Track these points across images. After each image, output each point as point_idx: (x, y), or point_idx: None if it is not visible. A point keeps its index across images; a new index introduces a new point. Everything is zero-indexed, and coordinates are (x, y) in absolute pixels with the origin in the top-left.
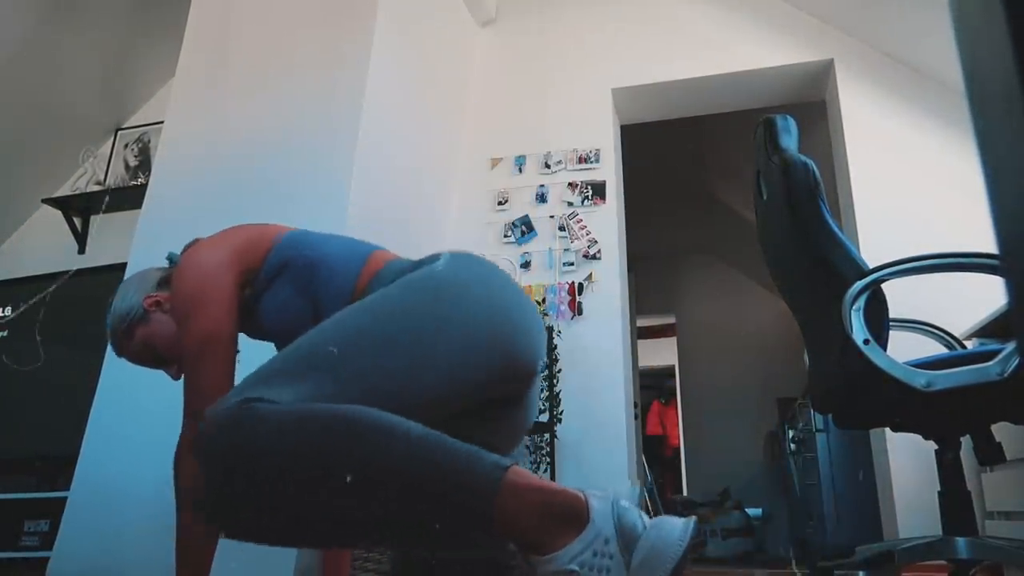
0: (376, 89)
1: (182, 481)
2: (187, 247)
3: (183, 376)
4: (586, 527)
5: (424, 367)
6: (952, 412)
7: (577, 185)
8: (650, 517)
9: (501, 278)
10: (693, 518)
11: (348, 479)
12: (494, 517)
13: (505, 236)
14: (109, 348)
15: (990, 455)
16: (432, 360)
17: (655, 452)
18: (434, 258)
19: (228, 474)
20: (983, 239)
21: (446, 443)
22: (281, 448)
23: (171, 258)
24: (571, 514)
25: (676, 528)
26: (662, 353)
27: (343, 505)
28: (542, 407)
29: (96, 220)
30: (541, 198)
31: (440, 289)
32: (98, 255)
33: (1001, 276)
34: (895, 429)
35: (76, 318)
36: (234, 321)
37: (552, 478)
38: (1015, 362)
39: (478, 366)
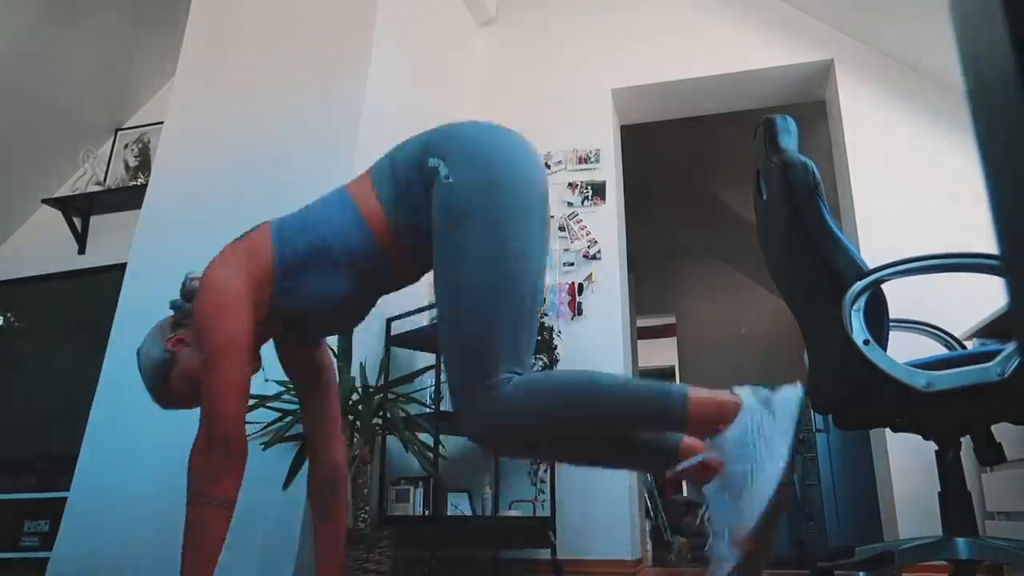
0: (376, 89)
1: (194, 481)
2: (183, 285)
3: (202, 389)
4: (742, 408)
5: (529, 250)
6: (952, 412)
7: (577, 185)
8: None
9: (493, 144)
10: (799, 384)
11: (590, 427)
12: (688, 425)
13: None
14: (109, 348)
15: (990, 455)
16: (527, 243)
17: None
18: (425, 160)
19: (498, 440)
20: (983, 239)
21: (647, 387)
22: (540, 422)
23: (173, 305)
24: (734, 407)
25: (791, 391)
26: (662, 353)
27: (585, 437)
28: None
29: (96, 220)
30: None
31: (476, 206)
32: (98, 255)
33: (1001, 276)
34: (895, 429)
35: (76, 318)
36: (250, 331)
37: (551, 479)
38: (1015, 362)
39: (543, 218)
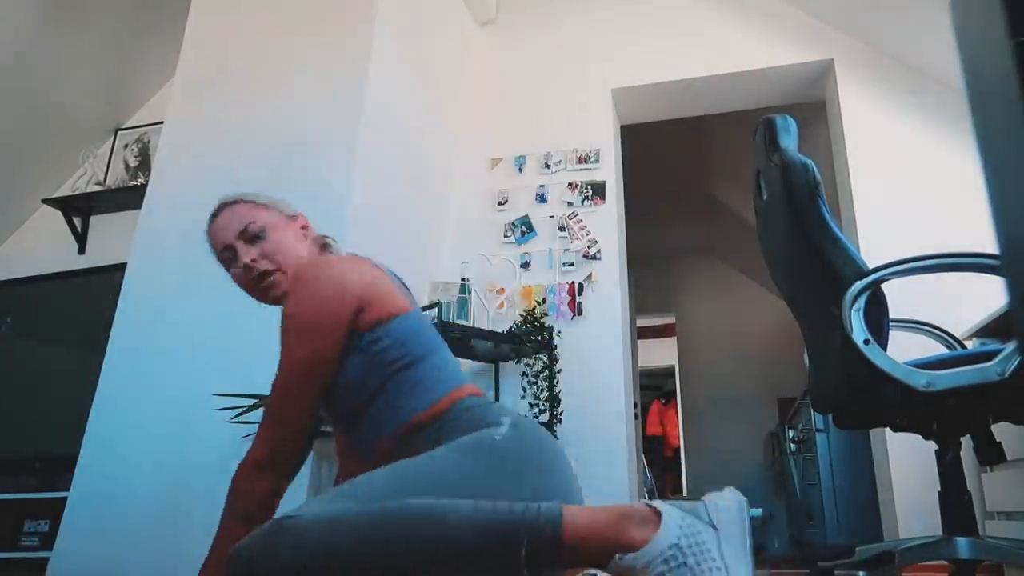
0: (376, 89)
1: (235, 498)
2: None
3: (268, 403)
4: (663, 517)
5: None
6: (952, 412)
7: (577, 185)
8: None
9: (554, 456)
10: (734, 489)
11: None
12: (564, 537)
13: (505, 236)
14: (109, 348)
15: (990, 455)
16: None
17: (655, 452)
18: (497, 419)
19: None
20: (983, 239)
21: (492, 503)
22: (333, 551)
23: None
24: (642, 514)
25: (730, 494)
26: (662, 353)
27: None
28: (542, 407)
29: (96, 220)
30: (541, 198)
31: (493, 460)
32: (98, 255)
33: (1001, 276)
34: (895, 429)
35: (76, 318)
36: (337, 351)
37: None
38: (1015, 362)
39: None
